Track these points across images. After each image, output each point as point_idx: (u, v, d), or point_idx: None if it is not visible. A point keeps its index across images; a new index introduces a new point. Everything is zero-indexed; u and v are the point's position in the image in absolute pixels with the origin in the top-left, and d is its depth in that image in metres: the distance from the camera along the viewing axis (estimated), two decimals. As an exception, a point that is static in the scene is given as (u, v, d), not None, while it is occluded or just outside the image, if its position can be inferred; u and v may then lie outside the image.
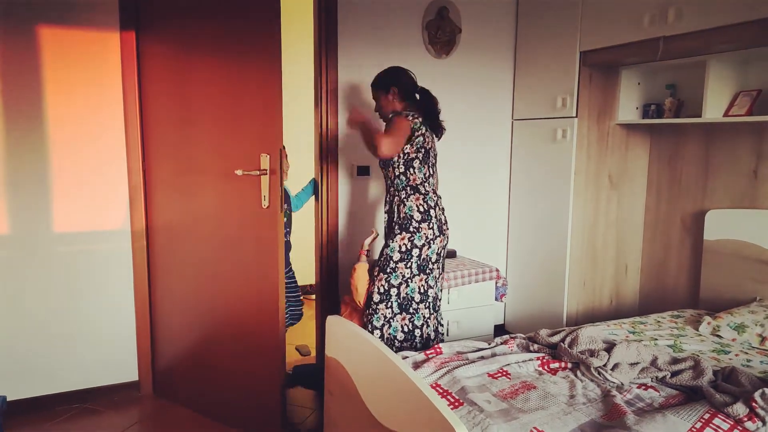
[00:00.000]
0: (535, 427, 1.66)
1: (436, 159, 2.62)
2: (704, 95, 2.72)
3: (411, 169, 2.46)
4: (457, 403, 1.80)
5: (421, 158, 2.47)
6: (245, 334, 2.52)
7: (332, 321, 2.25)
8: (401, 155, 2.45)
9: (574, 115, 3.14)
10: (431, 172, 2.54)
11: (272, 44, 2.26)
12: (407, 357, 2.16)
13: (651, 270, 3.44)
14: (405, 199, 2.46)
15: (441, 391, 1.89)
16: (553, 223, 3.33)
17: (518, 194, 3.64)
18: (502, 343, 2.31)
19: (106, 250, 2.80)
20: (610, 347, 2.15)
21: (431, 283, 2.52)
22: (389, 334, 2.46)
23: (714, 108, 2.73)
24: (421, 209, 2.45)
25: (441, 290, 2.63)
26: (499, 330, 3.76)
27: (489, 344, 2.32)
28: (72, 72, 2.64)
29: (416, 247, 2.44)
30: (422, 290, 2.49)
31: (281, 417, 2.48)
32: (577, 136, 3.16)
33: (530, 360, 2.13)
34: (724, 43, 2.49)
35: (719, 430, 1.66)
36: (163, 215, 2.78)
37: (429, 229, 2.45)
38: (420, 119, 2.49)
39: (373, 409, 1.86)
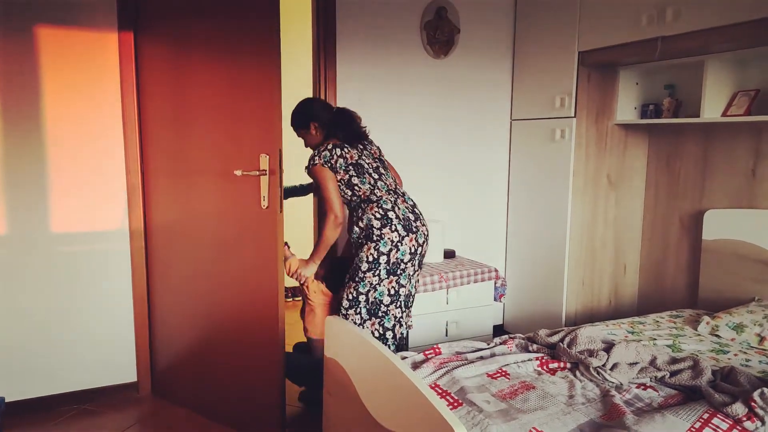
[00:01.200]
0: (534, 428, 1.66)
1: (379, 160, 2.60)
2: (702, 95, 2.72)
3: (355, 187, 2.47)
4: (456, 404, 1.80)
5: (355, 173, 2.47)
6: (244, 335, 2.52)
7: (331, 322, 2.25)
8: (340, 184, 2.48)
9: (573, 115, 3.15)
10: (377, 177, 2.52)
11: (271, 44, 2.25)
12: (406, 357, 2.16)
13: (650, 270, 3.45)
14: (362, 214, 2.47)
15: (440, 391, 1.89)
16: (552, 223, 3.34)
17: (517, 194, 3.64)
18: (501, 344, 2.32)
19: (104, 250, 2.80)
20: (609, 347, 2.16)
21: (403, 282, 2.48)
22: None
23: (712, 108, 2.74)
24: (378, 215, 2.43)
25: (415, 287, 2.60)
26: (498, 330, 3.76)
27: (488, 344, 2.32)
28: (70, 72, 2.64)
29: (383, 254, 2.41)
30: (392, 291, 2.46)
31: (280, 417, 2.48)
32: (576, 136, 3.16)
33: (529, 360, 2.13)
34: (722, 43, 2.50)
35: (718, 429, 1.66)
36: (162, 215, 2.77)
37: (392, 232, 2.42)
38: (330, 145, 2.48)
39: (372, 410, 1.86)
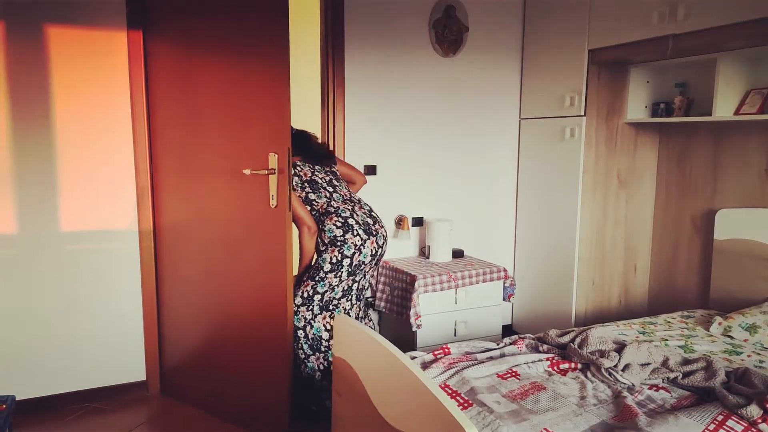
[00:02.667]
0: (545, 429, 1.65)
1: (331, 172, 2.74)
2: (714, 93, 2.69)
3: (313, 202, 2.61)
4: (466, 404, 1.79)
5: (311, 189, 2.61)
6: (253, 334, 2.52)
7: (340, 321, 2.24)
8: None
9: (583, 113, 3.12)
10: (331, 189, 2.66)
11: (280, 44, 2.25)
12: (416, 357, 2.15)
13: (660, 270, 3.42)
14: (323, 227, 2.58)
15: (450, 391, 1.88)
16: (562, 223, 3.31)
17: (526, 193, 3.62)
18: (511, 344, 2.30)
19: (113, 249, 2.81)
20: (620, 348, 2.14)
21: (357, 278, 2.63)
22: (313, 333, 2.57)
23: (724, 106, 2.71)
24: (338, 224, 2.55)
25: (368, 281, 2.79)
26: (507, 330, 3.74)
27: (498, 344, 2.31)
28: (79, 71, 2.64)
29: (346, 257, 2.54)
30: (346, 288, 2.61)
31: (289, 416, 2.48)
32: (586, 134, 3.14)
33: (540, 360, 2.12)
34: (734, 40, 2.47)
35: (732, 431, 1.64)
36: (171, 215, 2.77)
37: (355, 236, 2.55)
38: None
39: (382, 410, 1.85)
